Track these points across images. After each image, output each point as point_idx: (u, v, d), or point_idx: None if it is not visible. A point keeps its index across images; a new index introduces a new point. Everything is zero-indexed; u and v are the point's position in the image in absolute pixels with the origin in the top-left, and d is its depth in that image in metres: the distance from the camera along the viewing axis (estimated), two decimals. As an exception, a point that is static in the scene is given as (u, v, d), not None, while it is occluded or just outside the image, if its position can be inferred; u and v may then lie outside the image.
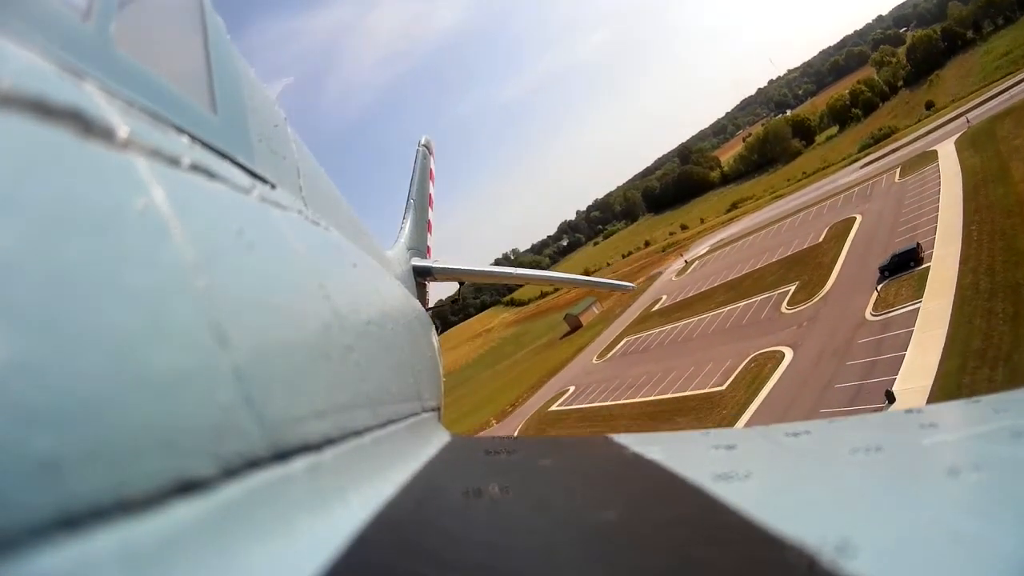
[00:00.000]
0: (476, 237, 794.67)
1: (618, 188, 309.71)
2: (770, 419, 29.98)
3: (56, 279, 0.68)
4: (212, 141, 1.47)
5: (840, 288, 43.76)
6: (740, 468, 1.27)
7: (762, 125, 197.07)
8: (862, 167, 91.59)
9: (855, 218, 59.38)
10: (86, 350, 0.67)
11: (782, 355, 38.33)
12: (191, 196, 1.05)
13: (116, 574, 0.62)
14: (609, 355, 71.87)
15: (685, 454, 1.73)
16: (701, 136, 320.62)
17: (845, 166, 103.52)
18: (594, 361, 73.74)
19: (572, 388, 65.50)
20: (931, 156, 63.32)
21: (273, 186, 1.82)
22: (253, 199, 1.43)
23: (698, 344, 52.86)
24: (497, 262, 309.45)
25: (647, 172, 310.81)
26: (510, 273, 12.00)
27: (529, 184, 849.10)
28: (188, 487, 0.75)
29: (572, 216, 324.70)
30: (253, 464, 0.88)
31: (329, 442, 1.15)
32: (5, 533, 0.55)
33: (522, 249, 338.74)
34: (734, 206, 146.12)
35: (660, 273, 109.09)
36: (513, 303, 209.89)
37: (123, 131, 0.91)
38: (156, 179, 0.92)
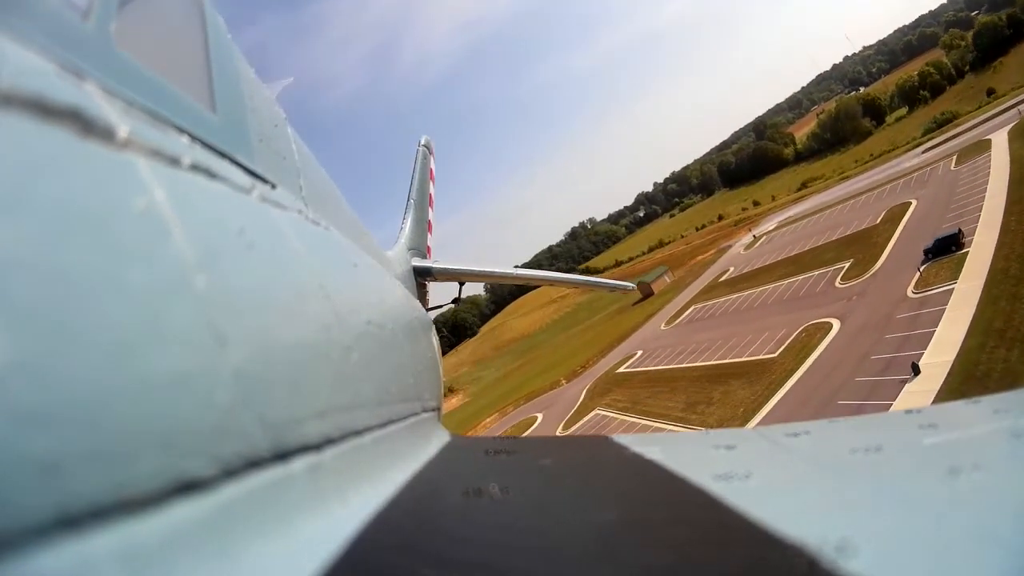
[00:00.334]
0: (553, 205, 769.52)
1: (695, 161, 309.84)
2: (811, 383, 34.71)
3: (56, 279, 0.67)
4: (212, 141, 1.47)
5: (889, 266, 47.14)
6: (740, 468, 1.27)
7: (835, 102, 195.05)
8: (923, 152, 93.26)
9: (910, 203, 61.49)
10: (86, 350, 0.67)
11: (830, 326, 41.87)
12: (191, 196, 1.05)
13: (116, 574, 0.61)
14: (677, 321, 74.76)
15: (685, 454, 1.73)
16: (777, 110, 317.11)
17: (908, 150, 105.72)
18: (662, 327, 76.40)
19: (640, 352, 68.26)
20: (985, 145, 65.82)
21: (273, 186, 1.81)
22: (253, 199, 1.43)
23: (758, 313, 56.24)
24: (573, 231, 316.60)
25: (724, 146, 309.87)
26: (510, 273, 12.40)
27: (608, 154, 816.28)
28: (188, 487, 0.74)
29: (649, 188, 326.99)
30: (253, 464, 0.87)
31: (329, 442, 1.15)
32: (5, 533, 0.54)
33: (599, 219, 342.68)
34: (804, 185, 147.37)
35: (730, 246, 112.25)
36: (588, 272, 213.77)
37: (123, 131, 0.91)
38: (156, 179, 0.92)
